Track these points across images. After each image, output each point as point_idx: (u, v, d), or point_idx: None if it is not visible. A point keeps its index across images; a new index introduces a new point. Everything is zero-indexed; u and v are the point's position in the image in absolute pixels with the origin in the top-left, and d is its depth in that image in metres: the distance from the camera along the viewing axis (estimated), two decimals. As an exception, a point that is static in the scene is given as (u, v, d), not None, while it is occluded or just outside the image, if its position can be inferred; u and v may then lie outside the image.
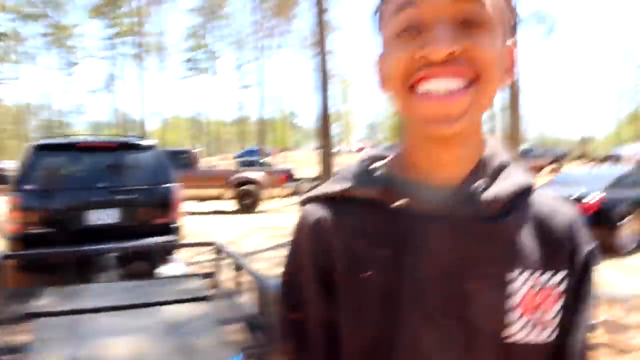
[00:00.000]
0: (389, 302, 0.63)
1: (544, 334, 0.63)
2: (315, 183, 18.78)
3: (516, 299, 0.62)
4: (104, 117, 72.20)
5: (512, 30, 0.66)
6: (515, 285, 0.62)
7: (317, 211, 0.70)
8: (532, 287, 0.63)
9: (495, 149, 0.69)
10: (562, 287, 0.64)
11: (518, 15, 0.67)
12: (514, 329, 0.62)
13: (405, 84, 0.61)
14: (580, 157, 33.46)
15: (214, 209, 14.36)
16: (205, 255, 7.22)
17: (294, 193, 18.84)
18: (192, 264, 6.74)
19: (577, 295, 0.66)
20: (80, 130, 53.55)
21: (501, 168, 0.67)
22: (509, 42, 0.65)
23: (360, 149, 51.52)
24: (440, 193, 0.64)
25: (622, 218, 7.46)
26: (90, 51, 54.12)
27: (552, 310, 0.64)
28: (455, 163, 0.65)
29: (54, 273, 3.87)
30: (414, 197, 0.64)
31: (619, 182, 8.08)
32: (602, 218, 7.34)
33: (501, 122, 15.13)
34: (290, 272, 0.72)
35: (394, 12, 0.61)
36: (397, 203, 0.64)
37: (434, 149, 0.64)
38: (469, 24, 0.58)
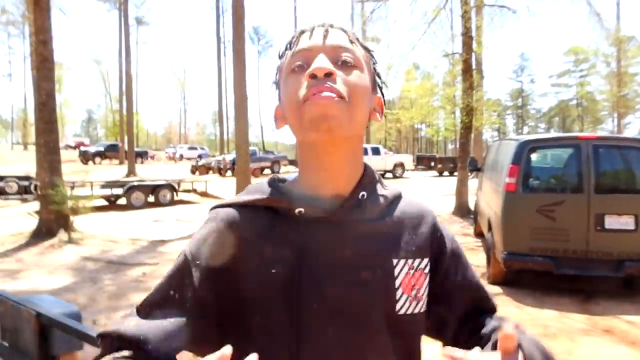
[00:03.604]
0: (293, 298, 0.74)
1: (418, 306, 0.81)
2: (30, 182, 16.29)
3: (398, 281, 0.79)
4: None
5: (379, 87, 0.88)
6: (396, 270, 0.80)
7: (228, 213, 0.81)
8: (407, 271, 0.81)
9: (370, 170, 0.86)
10: (427, 269, 0.83)
11: (380, 75, 0.89)
12: (399, 304, 0.79)
13: (300, 100, 0.76)
14: (293, 161, 37.46)
15: None
16: None
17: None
18: None
19: (458, 268, 0.88)
20: None
21: (377, 182, 0.86)
22: (378, 94, 0.88)
23: (80, 144, 46.20)
24: (332, 201, 0.79)
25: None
26: None
27: (423, 288, 0.82)
28: (340, 180, 0.81)
29: None
30: (312, 205, 0.78)
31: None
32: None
33: (233, 127, 15.93)
34: (186, 258, 0.79)
35: (291, 56, 0.81)
36: (297, 210, 0.78)
37: (322, 153, 0.79)
38: (345, 64, 0.78)
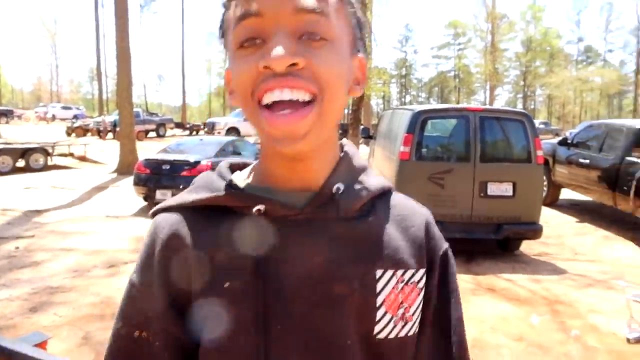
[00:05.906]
0: (254, 313, 0.60)
1: (406, 328, 0.66)
2: None
3: (380, 298, 0.63)
4: None
5: (362, 43, 0.67)
6: (379, 284, 0.64)
7: (172, 222, 0.65)
8: (394, 285, 0.65)
9: (351, 154, 0.70)
10: (422, 284, 0.68)
11: (366, 28, 0.68)
12: (380, 326, 0.64)
13: (254, 97, 0.59)
14: (179, 124, 35.84)
15: None
16: None
17: None
18: None
19: (442, 291, 0.70)
20: None
21: (359, 172, 0.69)
22: (360, 55, 0.66)
23: None
24: (299, 198, 0.64)
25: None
26: None
27: (414, 306, 0.67)
28: (310, 171, 0.65)
29: None
30: (273, 203, 0.62)
31: (223, 149, 9.31)
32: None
33: (112, 85, 14.78)
34: (138, 287, 0.65)
35: (237, 22, 0.59)
36: (255, 208, 0.62)
37: (287, 161, 0.64)
38: (311, 37, 0.58)
